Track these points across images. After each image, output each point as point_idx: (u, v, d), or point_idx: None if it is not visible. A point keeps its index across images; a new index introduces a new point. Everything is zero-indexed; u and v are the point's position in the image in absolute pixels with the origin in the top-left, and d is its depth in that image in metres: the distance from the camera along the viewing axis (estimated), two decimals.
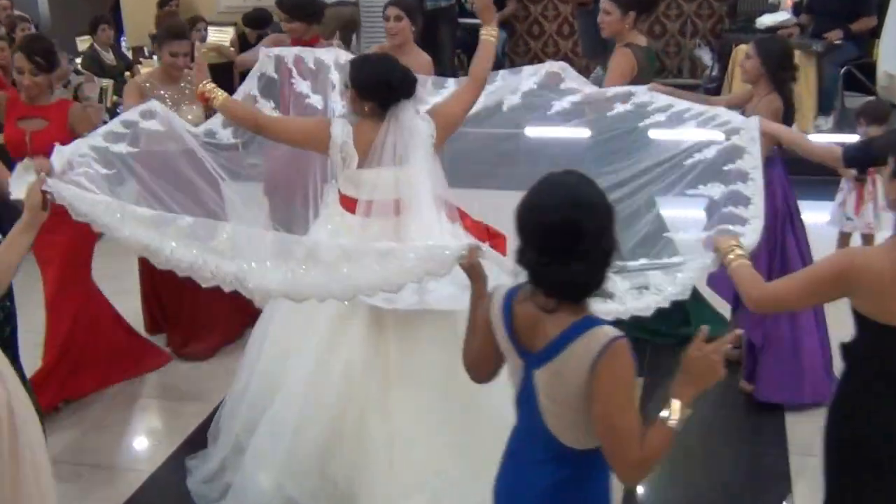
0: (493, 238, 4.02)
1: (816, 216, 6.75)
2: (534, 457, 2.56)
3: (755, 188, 3.93)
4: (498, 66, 10.90)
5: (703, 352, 2.41)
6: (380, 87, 3.91)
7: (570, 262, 2.37)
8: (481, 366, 2.77)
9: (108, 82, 8.78)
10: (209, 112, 4.97)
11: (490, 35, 4.32)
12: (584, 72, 11.12)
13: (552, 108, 4.82)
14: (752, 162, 4.06)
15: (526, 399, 2.56)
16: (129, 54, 10.83)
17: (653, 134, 4.63)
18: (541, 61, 11.48)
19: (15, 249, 3.18)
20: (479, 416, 3.86)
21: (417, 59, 5.49)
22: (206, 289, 3.42)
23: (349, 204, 4.03)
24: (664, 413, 2.41)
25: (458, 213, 4.05)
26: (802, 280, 2.96)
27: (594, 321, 2.45)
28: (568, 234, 2.36)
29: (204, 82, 4.29)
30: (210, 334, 5.84)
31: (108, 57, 9.67)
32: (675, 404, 2.41)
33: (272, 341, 4.25)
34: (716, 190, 4.07)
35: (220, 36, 10.69)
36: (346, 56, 5.15)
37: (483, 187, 5.73)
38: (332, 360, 3.97)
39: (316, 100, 5.03)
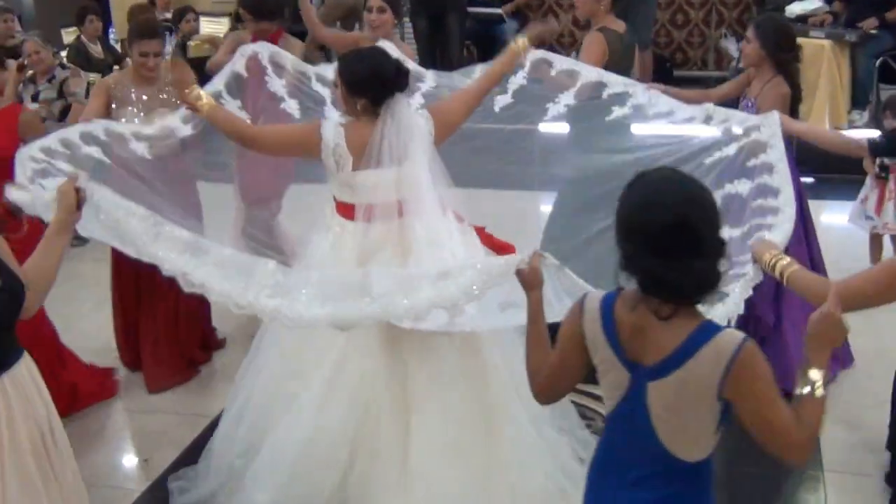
0: (500, 249, 4.02)
1: (842, 217, 6.76)
2: (640, 472, 2.57)
3: (782, 178, 3.97)
4: None
5: (824, 312, 2.43)
6: (372, 82, 3.91)
7: (689, 261, 2.40)
8: (560, 382, 2.75)
9: (95, 77, 8.76)
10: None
11: (519, 46, 4.38)
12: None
13: (547, 113, 4.82)
14: (777, 154, 4.10)
15: (630, 413, 2.56)
16: (118, 47, 10.83)
17: (662, 129, 4.67)
18: (555, 52, 11.64)
19: (53, 253, 3.18)
20: (499, 446, 3.89)
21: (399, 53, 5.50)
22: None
23: (346, 210, 4.01)
24: (805, 389, 2.43)
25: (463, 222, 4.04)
26: (882, 273, 3.00)
27: (715, 326, 2.49)
28: (686, 232, 2.40)
29: (189, 89, 4.21)
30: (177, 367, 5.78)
31: (96, 50, 9.67)
32: (815, 373, 2.44)
33: (275, 361, 4.21)
34: (744, 186, 4.10)
35: (215, 27, 10.70)
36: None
37: (496, 187, 5.77)
38: (342, 381, 3.94)
39: (291, 106, 4.93)
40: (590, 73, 4.85)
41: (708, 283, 2.45)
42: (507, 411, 4.01)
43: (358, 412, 3.90)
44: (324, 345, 3.98)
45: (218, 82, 4.87)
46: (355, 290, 3.42)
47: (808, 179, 8.19)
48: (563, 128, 5.06)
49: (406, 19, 10.78)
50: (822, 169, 7.69)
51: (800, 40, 9.09)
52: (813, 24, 9.41)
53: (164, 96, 5.51)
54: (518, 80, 4.78)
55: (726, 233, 3.91)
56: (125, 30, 11.91)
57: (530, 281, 3.05)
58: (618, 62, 5.44)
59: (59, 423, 3.14)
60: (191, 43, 10.02)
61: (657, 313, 2.47)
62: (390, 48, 4.92)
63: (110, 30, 11.56)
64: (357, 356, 3.94)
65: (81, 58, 9.37)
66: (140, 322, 5.67)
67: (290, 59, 5.05)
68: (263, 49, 5.04)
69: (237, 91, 4.92)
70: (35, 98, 7.44)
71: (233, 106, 4.73)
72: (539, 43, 4.70)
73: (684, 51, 11.38)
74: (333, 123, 4.01)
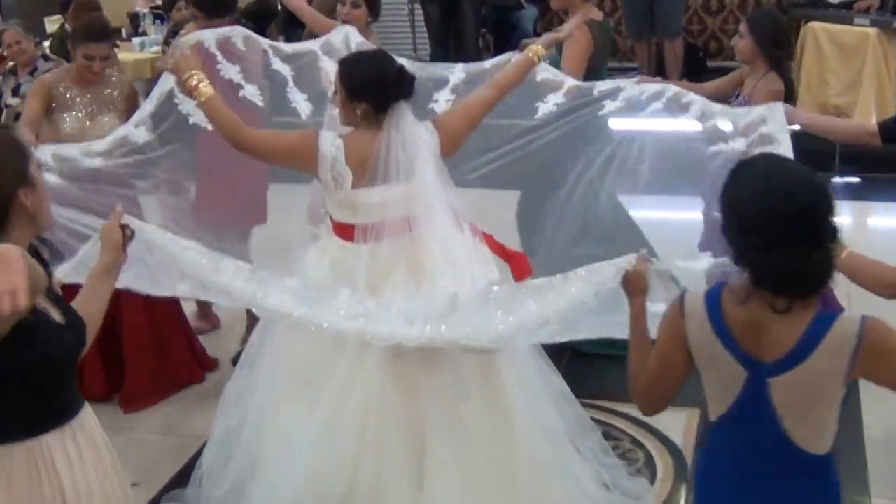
0: (512, 258, 4.04)
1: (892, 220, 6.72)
2: (768, 470, 2.63)
3: None
4: None
5: None
6: (373, 86, 3.91)
7: (808, 252, 2.47)
8: (666, 391, 2.79)
9: None
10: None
11: (535, 55, 4.38)
12: (630, 54, 11.22)
13: (538, 112, 4.84)
14: (785, 150, 4.15)
15: (751, 412, 2.62)
16: None
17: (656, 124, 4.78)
18: None
19: (99, 297, 3.16)
20: (516, 477, 3.92)
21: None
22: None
23: (345, 232, 3.99)
24: None
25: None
26: None
27: (830, 314, 2.58)
28: (809, 220, 2.48)
29: (191, 72, 4.15)
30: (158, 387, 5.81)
31: None
32: None
33: (267, 385, 4.18)
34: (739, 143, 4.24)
35: None
36: (355, 37, 5.14)
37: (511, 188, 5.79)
38: (345, 411, 3.91)
39: (251, 92, 4.88)
40: (573, 82, 4.93)
41: (826, 274, 2.52)
42: (523, 435, 4.01)
43: (361, 444, 3.88)
44: (324, 370, 3.96)
45: (165, 82, 4.77)
46: (444, 309, 3.50)
47: (854, 179, 8.20)
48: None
49: (416, 5, 10.81)
50: (869, 167, 7.68)
51: (842, 28, 9.21)
52: (857, 10, 9.38)
53: (110, 91, 5.52)
54: None
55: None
56: (113, 18, 11.96)
57: (636, 286, 3.11)
58: (601, 52, 5.57)
59: (121, 468, 3.13)
60: (183, 32, 10.04)
61: (773, 307, 2.52)
62: (355, 34, 5.06)
63: None
64: (361, 381, 3.91)
65: (66, 48, 9.38)
66: (123, 339, 5.68)
67: (240, 38, 4.94)
68: (208, 36, 4.89)
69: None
70: (16, 92, 7.43)
71: (189, 105, 4.65)
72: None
73: (718, 39, 11.35)
74: (332, 135, 3.99)
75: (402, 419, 3.89)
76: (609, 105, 4.80)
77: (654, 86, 4.83)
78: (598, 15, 5.72)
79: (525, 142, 4.87)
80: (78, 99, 5.50)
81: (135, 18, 10.32)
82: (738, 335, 2.60)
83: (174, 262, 3.70)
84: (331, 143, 3.92)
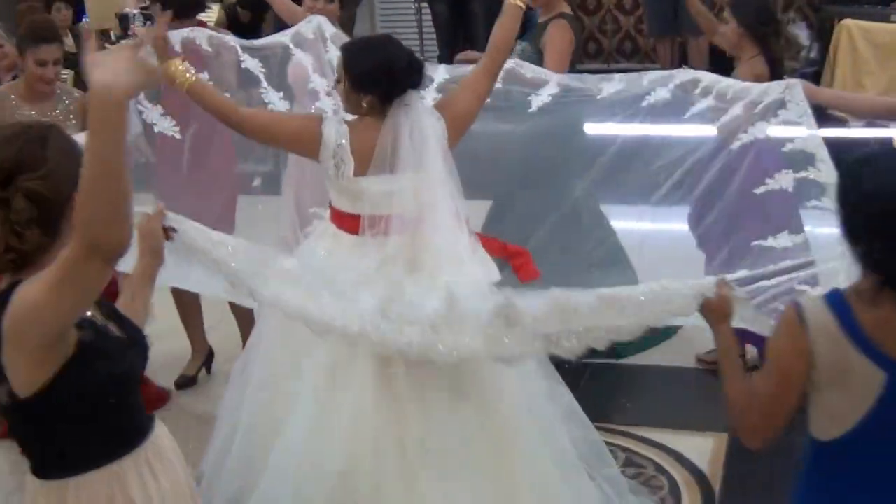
0: (515, 256, 4.06)
1: None
2: None
3: (829, 170, 4.03)
4: None
5: None
6: (381, 76, 3.91)
7: None
8: (787, 415, 2.74)
9: (67, 74, 8.82)
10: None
11: (517, 1, 4.26)
12: (652, 53, 11.22)
13: (531, 105, 4.87)
14: (814, 139, 4.20)
15: (891, 419, 2.60)
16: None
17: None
18: (596, 41, 11.75)
19: (142, 304, 3.12)
20: (520, 496, 3.92)
21: None
22: None
23: (343, 220, 4.02)
24: None
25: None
26: None
27: None
28: None
29: (171, 61, 4.18)
30: None
31: (67, 42, 9.73)
32: None
33: (255, 401, 4.21)
34: (786, 180, 4.20)
35: (204, 15, 10.75)
36: (329, 28, 5.14)
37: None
38: (332, 421, 3.91)
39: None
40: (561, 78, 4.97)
41: None
42: (526, 455, 4.01)
43: (349, 454, 3.88)
44: (306, 384, 3.98)
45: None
46: (500, 319, 3.49)
47: None
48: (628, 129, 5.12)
49: (424, 4, 10.84)
50: None
51: (880, 26, 9.20)
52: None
53: (58, 113, 5.40)
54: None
55: (780, 241, 4.04)
56: (101, 17, 11.99)
57: (721, 312, 3.07)
58: (577, 49, 5.73)
59: (193, 484, 3.14)
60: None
61: None
62: (328, 25, 5.04)
63: (83, 19, 11.63)
64: (347, 388, 3.93)
65: None
66: None
67: (204, 38, 4.93)
68: (173, 38, 4.82)
69: (155, 94, 4.83)
70: None
71: (154, 114, 4.67)
72: None
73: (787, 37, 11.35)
74: (337, 119, 4.03)
75: (394, 433, 3.87)
76: (607, 88, 4.81)
77: (658, 72, 4.88)
78: (568, 8, 5.82)
79: (496, 148, 4.93)
80: (30, 114, 5.36)
81: (124, 20, 10.32)
82: (874, 337, 2.59)
83: (217, 269, 3.73)
84: (335, 128, 3.95)
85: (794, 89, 4.45)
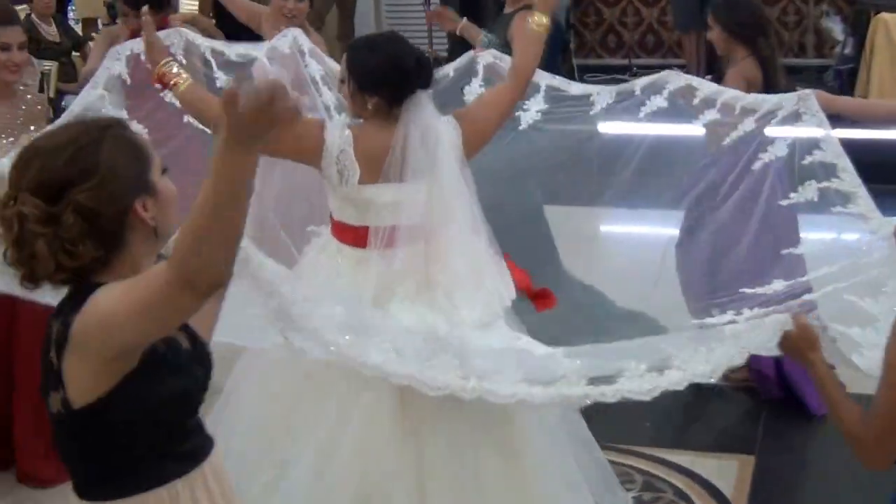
0: (539, 298, 4.07)
1: None
2: None
3: (852, 179, 4.09)
4: (561, 41, 10.94)
5: None
6: (388, 76, 3.89)
7: None
8: None
9: (50, 65, 8.84)
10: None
11: (538, 25, 4.25)
12: (677, 48, 11.24)
13: (520, 123, 4.80)
14: (833, 148, 4.23)
15: None
16: (79, 28, 10.93)
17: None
18: (616, 34, 11.78)
19: (210, 313, 2.86)
20: None
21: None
22: None
23: (345, 234, 3.99)
24: None
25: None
26: None
27: None
28: None
29: (165, 61, 4.13)
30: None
31: (50, 31, 9.75)
32: None
33: (252, 428, 4.13)
34: (811, 190, 4.23)
35: (195, 5, 10.78)
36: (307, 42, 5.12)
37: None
38: (336, 460, 3.86)
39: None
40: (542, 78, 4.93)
41: None
42: (545, 492, 3.97)
43: (361, 481, 3.85)
44: (314, 415, 3.93)
45: (92, 92, 4.67)
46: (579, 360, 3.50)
47: None
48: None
49: None
50: None
51: None
52: None
53: (22, 116, 5.18)
54: (474, 89, 4.82)
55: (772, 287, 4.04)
56: (87, 7, 12.01)
57: (809, 342, 3.09)
58: (548, 47, 5.67)
59: None
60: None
61: None
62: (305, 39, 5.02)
63: (69, 7, 11.64)
64: (354, 427, 3.87)
65: (32, 42, 9.45)
66: (16, 403, 5.27)
67: (180, 45, 4.86)
68: (141, 46, 4.70)
69: (121, 100, 4.74)
70: None
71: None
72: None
73: (777, 33, 11.34)
74: (340, 125, 4.02)
75: (404, 472, 3.84)
76: (598, 103, 4.78)
77: (647, 78, 4.83)
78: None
79: None
80: None
81: (112, 8, 10.33)
82: None
83: (277, 310, 3.58)
84: (338, 133, 3.92)
85: (807, 100, 4.44)
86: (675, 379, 3.39)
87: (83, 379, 2.44)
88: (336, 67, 4.68)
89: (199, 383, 2.67)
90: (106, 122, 2.61)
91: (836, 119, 4.54)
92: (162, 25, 5.61)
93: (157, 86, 4.23)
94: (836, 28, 10.58)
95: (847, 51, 9.98)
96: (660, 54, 11.38)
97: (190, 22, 9.65)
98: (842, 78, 9.77)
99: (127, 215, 2.44)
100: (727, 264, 4.67)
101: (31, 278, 2.45)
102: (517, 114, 4.76)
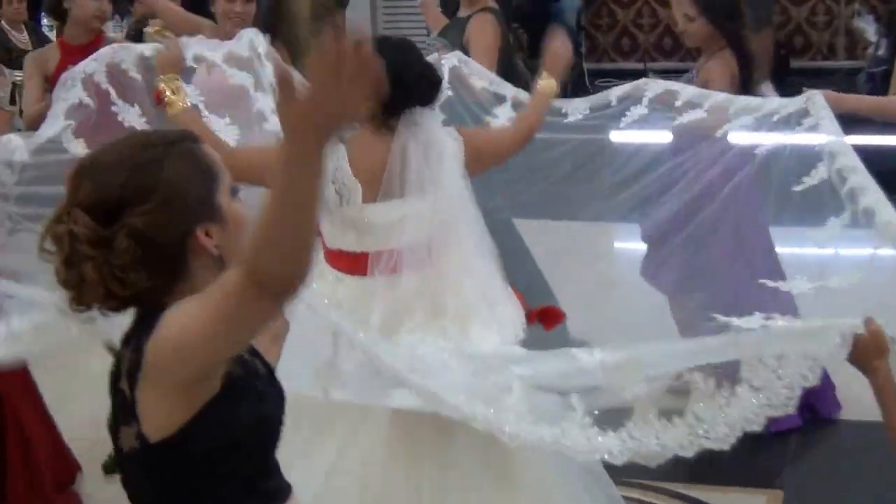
0: (545, 317, 4.07)
1: None
2: None
3: (863, 177, 4.06)
4: (573, 42, 10.94)
5: None
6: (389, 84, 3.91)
7: None
8: None
9: (18, 75, 8.85)
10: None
11: (548, 86, 4.44)
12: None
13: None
14: (847, 160, 4.18)
15: None
16: (53, 35, 10.93)
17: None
18: (631, 36, 11.77)
19: (277, 341, 2.87)
20: None
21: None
22: None
23: (349, 263, 3.98)
24: None
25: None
26: None
27: None
28: None
29: (167, 76, 4.13)
30: None
31: (22, 39, 9.75)
32: None
33: None
34: (822, 172, 4.23)
35: None
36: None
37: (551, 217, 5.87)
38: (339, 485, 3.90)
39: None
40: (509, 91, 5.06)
41: None
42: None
43: None
44: (312, 452, 3.93)
45: (52, 125, 4.61)
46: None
47: None
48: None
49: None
50: None
51: None
52: None
53: None
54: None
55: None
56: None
57: (880, 349, 3.09)
58: (509, 47, 5.98)
59: None
60: (148, 29, 10.08)
61: None
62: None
63: (40, 14, 11.65)
64: (359, 452, 3.92)
65: (2, 50, 9.46)
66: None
67: (132, 60, 4.78)
68: (94, 66, 4.73)
69: (84, 127, 4.68)
70: None
71: (77, 146, 4.50)
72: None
73: (805, 34, 11.37)
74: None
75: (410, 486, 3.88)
76: (572, 114, 4.89)
77: (621, 87, 4.94)
78: (492, 1, 6.07)
79: None
80: None
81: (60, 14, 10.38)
82: None
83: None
84: (331, 148, 3.89)
85: (813, 98, 4.49)
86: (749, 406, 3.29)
87: (161, 409, 2.36)
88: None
89: (277, 411, 2.58)
90: (174, 136, 2.52)
91: (850, 122, 4.53)
92: (94, 45, 5.53)
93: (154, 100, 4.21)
94: (868, 28, 10.57)
95: (880, 52, 9.96)
96: (678, 57, 11.33)
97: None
98: (874, 81, 9.73)
99: (187, 243, 2.37)
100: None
101: (80, 301, 2.37)
102: (484, 119, 4.91)
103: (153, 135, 2.61)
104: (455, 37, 5.84)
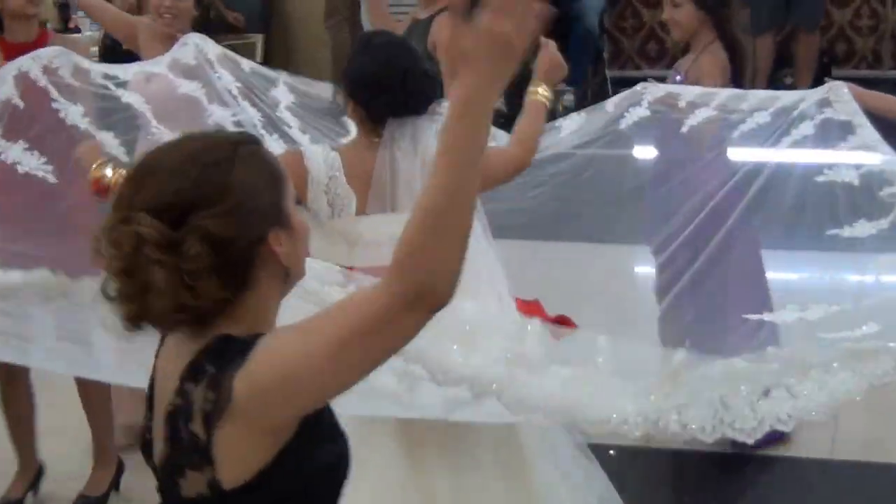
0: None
1: None
2: None
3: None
4: (593, 49, 10.87)
5: None
6: (370, 86, 3.95)
7: None
8: None
9: None
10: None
11: (542, 96, 4.37)
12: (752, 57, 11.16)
13: None
14: (870, 134, 4.37)
15: None
16: None
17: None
18: (658, 40, 11.70)
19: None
20: None
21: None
22: None
23: None
24: None
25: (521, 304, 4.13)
26: None
27: None
28: None
29: (97, 163, 4.12)
30: None
31: None
32: None
33: None
34: (849, 174, 4.31)
35: None
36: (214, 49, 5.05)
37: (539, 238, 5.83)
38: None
39: (107, 140, 4.67)
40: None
41: None
42: None
43: None
44: None
45: None
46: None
47: None
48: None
49: None
50: None
51: None
52: None
53: None
54: None
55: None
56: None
57: None
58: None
59: None
60: None
61: None
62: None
63: None
64: (372, 467, 3.93)
65: None
66: None
67: (67, 67, 4.74)
68: (32, 64, 4.71)
69: (17, 129, 4.66)
70: None
71: (16, 151, 4.50)
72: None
73: (849, 39, 11.30)
74: (322, 148, 4.06)
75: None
76: (566, 128, 4.93)
77: (621, 94, 5.00)
78: None
79: None
80: None
81: (64, 9, 10.36)
82: None
83: None
84: (322, 158, 3.96)
85: (838, 90, 4.57)
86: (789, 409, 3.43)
87: (242, 452, 2.29)
88: (266, 73, 4.93)
89: (347, 450, 2.52)
90: (236, 136, 2.53)
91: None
92: (39, 43, 5.41)
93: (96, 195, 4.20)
94: None
95: None
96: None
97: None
98: None
99: (259, 249, 2.33)
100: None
101: (143, 315, 2.29)
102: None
103: (215, 134, 2.65)
104: (418, 41, 5.76)
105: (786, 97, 4.71)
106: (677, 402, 3.40)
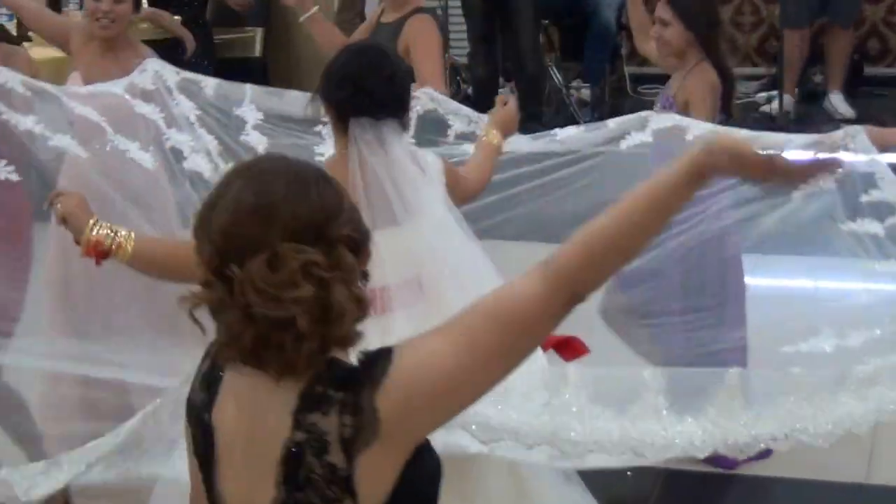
0: (565, 348, 4.11)
1: None
2: None
3: None
4: (611, 45, 10.90)
5: None
6: (342, 85, 4.04)
7: None
8: None
9: None
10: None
11: (491, 138, 4.60)
12: (755, 53, 11.17)
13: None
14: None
15: None
16: (12, 27, 10.94)
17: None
18: None
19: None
20: None
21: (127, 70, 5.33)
22: None
23: None
24: None
25: None
26: None
27: None
28: None
29: (87, 226, 3.97)
30: None
31: None
32: None
33: None
34: (874, 227, 4.37)
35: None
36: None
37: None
38: None
39: (67, 143, 4.83)
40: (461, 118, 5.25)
41: None
42: None
43: None
44: None
45: None
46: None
47: None
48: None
49: None
50: None
51: None
52: None
53: None
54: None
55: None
56: None
57: None
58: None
59: None
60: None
61: None
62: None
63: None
64: None
65: None
66: None
67: (17, 83, 4.81)
68: None
69: None
70: None
71: None
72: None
73: (882, 36, 11.30)
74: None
75: None
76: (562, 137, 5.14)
77: (624, 117, 5.14)
78: (423, 1, 6.47)
79: None
80: None
81: (54, 1, 10.39)
82: None
83: None
84: None
85: (857, 137, 4.53)
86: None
87: (384, 474, 2.34)
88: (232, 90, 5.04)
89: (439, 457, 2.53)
90: (306, 161, 2.58)
91: None
92: None
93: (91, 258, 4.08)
94: None
95: None
96: (735, 61, 11.29)
97: (152, 22, 9.70)
98: None
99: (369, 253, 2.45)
100: None
101: (325, 350, 2.32)
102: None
103: (284, 157, 2.57)
104: (388, 44, 5.85)
105: (798, 140, 4.73)
106: (745, 419, 3.52)
